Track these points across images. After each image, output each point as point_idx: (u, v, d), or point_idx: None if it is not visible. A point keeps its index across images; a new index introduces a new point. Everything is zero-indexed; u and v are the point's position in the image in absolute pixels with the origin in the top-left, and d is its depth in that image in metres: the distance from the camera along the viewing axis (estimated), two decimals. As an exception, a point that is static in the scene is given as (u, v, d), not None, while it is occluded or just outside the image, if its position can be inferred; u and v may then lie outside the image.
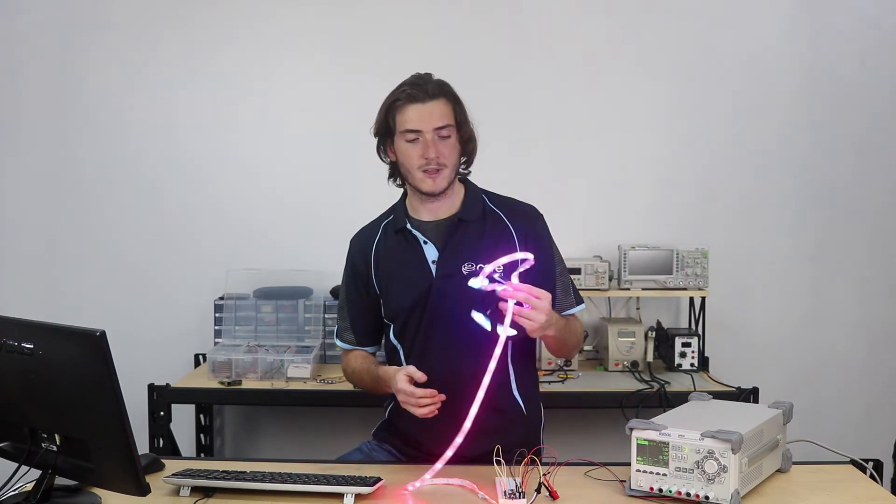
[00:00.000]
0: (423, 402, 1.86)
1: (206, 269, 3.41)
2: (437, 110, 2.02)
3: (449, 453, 1.73)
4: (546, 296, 1.78)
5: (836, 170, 3.42)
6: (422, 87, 2.03)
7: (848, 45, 3.39)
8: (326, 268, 3.31)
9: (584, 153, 3.42)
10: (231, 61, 3.43)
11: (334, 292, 3.28)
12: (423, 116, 2.01)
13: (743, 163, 3.42)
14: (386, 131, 2.08)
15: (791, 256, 3.44)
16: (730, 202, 3.42)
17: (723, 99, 3.41)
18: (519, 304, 1.76)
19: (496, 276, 1.73)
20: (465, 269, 2.04)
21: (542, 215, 2.15)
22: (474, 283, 1.75)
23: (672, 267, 3.15)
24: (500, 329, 1.73)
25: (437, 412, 1.87)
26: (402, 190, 2.21)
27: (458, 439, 1.72)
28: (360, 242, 2.19)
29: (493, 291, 1.74)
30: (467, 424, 1.71)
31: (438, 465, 1.75)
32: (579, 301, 2.14)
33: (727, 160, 3.42)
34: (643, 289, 3.18)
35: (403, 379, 1.89)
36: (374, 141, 3.45)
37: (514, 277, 1.75)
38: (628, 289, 3.18)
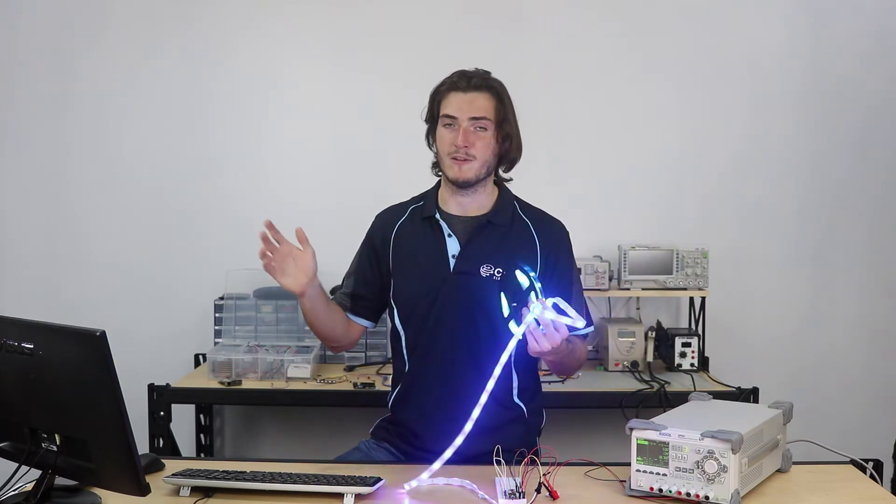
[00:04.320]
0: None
1: (206, 269, 3.41)
2: (476, 101, 2.03)
3: (448, 453, 1.72)
4: (564, 334, 1.74)
5: (836, 170, 3.43)
6: (467, 78, 2.05)
7: (848, 46, 3.39)
8: (327, 268, 3.29)
9: (584, 153, 3.42)
10: (231, 62, 3.43)
11: (334, 292, 3.27)
12: (461, 104, 2.03)
13: (743, 163, 3.42)
14: (432, 119, 2.10)
15: (791, 257, 3.44)
16: (730, 202, 3.42)
17: (723, 99, 3.41)
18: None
19: (539, 287, 1.70)
20: (483, 271, 2.04)
21: (568, 233, 2.16)
22: (520, 274, 1.72)
23: (672, 267, 3.15)
24: (512, 325, 1.72)
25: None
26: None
27: (459, 440, 1.71)
28: (384, 219, 2.20)
29: (529, 293, 1.71)
30: (468, 427, 1.70)
31: (436, 465, 1.74)
32: (589, 323, 2.13)
33: (727, 160, 3.42)
34: (643, 289, 3.18)
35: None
36: (375, 141, 3.49)
37: (551, 301, 1.72)
38: (628, 289, 3.18)
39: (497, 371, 1.69)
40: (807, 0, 3.39)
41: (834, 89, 3.40)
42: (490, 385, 1.70)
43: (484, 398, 1.70)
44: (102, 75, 3.44)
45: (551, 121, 3.40)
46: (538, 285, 1.69)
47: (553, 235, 2.12)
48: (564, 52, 3.40)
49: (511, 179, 2.18)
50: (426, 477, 1.75)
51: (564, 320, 1.71)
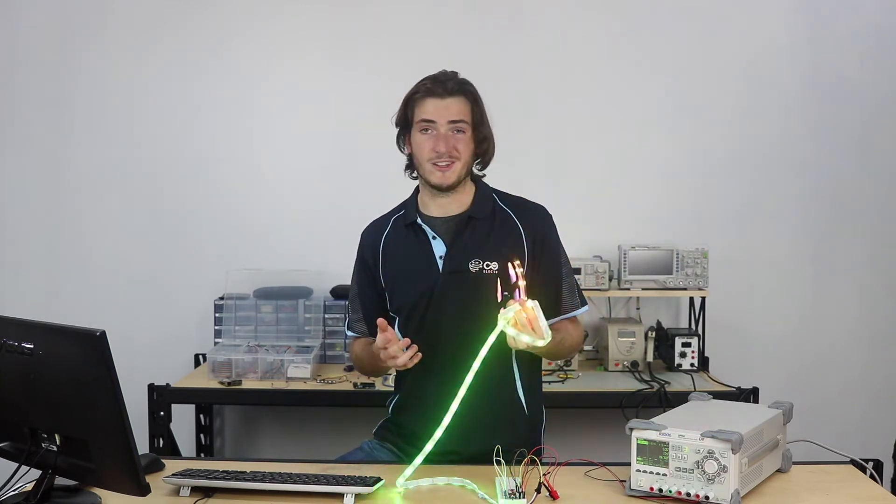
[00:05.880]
0: (392, 350, 1.88)
1: (206, 269, 3.41)
2: (453, 106, 2.05)
3: (437, 435, 1.73)
4: (543, 336, 1.72)
5: (836, 169, 3.43)
6: (442, 83, 2.05)
7: (848, 45, 3.39)
8: (326, 268, 3.31)
9: (584, 153, 3.43)
10: (231, 62, 3.43)
11: (334, 292, 3.28)
12: (438, 109, 2.04)
13: (743, 163, 3.42)
14: (405, 123, 2.11)
15: (791, 256, 3.44)
16: (730, 202, 3.42)
17: (723, 99, 3.41)
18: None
19: (523, 285, 1.70)
20: (472, 267, 2.05)
21: (550, 216, 2.17)
22: (511, 269, 1.72)
23: (672, 267, 3.15)
24: (500, 314, 1.73)
25: (416, 359, 1.91)
26: (407, 186, 2.22)
27: (446, 420, 1.72)
28: (370, 235, 2.21)
29: (518, 284, 1.72)
30: (454, 405, 1.71)
31: (425, 450, 1.75)
32: (583, 303, 2.15)
33: (727, 160, 3.42)
34: (643, 289, 3.18)
35: (379, 337, 1.91)
36: (375, 141, 3.45)
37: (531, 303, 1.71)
38: (628, 289, 3.18)
39: (484, 351, 1.71)
40: (807, 0, 3.39)
41: (834, 89, 3.40)
42: (478, 362, 1.71)
43: (470, 376, 1.71)
44: (102, 75, 3.44)
45: (551, 121, 3.40)
46: (522, 283, 1.70)
47: (536, 221, 2.13)
48: (564, 52, 3.40)
49: (484, 175, 2.19)
50: (418, 463, 1.76)
51: (526, 337, 1.70)
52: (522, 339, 1.72)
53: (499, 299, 1.76)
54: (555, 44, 3.40)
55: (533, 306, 1.70)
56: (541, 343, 1.72)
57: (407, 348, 1.91)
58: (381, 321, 1.92)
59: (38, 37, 3.44)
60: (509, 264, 1.73)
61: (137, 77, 3.44)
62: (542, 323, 1.71)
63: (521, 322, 1.71)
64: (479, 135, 2.09)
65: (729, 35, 3.40)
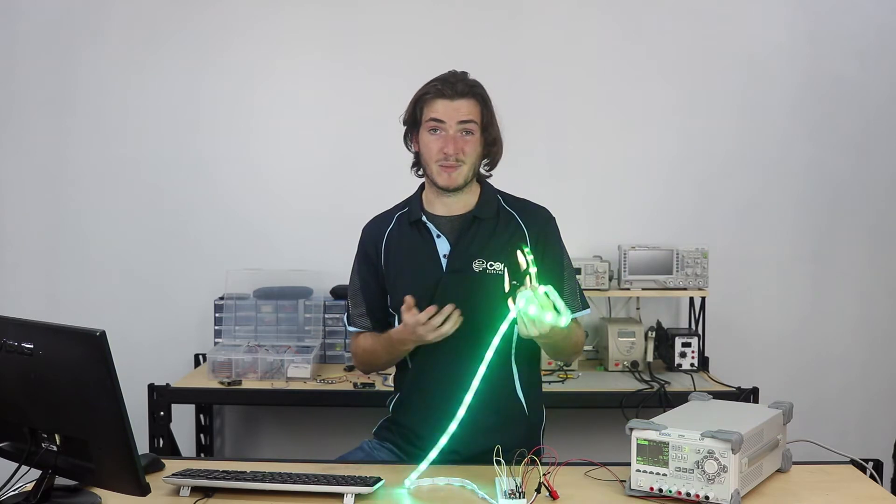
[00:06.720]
0: (435, 321, 1.91)
1: (206, 269, 3.41)
2: (463, 107, 2.05)
3: (442, 442, 1.73)
4: (553, 322, 1.74)
5: (836, 170, 3.43)
6: (451, 85, 2.05)
7: (848, 45, 3.39)
8: (326, 268, 3.31)
9: (584, 153, 3.43)
10: (231, 61, 3.43)
11: (334, 292, 3.28)
12: (448, 110, 2.04)
13: (743, 163, 3.42)
14: (413, 122, 2.11)
15: (791, 256, 3.44)
16: (730, 202, 3.43)
17: (723, 99, 3.41)
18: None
19: (534, 272, 1.71)
20: (475, 266, 2.05)
21: (553, 218, 2.17)
22: (521, 256, 1.73)
23: (672, 267, 3.15)
24: (510, 302, 1.73)
25: (459, 322, 1.92)
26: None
27: (452, 427, 1.72)
28: (373, 230, 2.21)
29: (525, 276, 1.72)
30: (461, 413, 1.71)
31: (432, 454, 1.75)
32: (585, 305, 2.15)
33: (727, 160, 3.42)
34: (643, 289, 3.18)
35: (408, 316, 1.92)
36: (375, 141, 3.48)
37: (543, 289, 1.72)
38: (628, 289, 3.18)
39: (495, 342, 1.70)
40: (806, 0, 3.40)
41: (833, 89, 3.40)
42: (488, 356, 1.71)
43: (477, 380, 1.71)
44: (102, 75, 3.44)
45: (552, 120, 3.40)
46: (534, 270, 1.70)
47: (540, 223, 2.14)
48: (564, 51, 3.40)
49: (491, 175, 2.19)
50: (424, 468, 1.75)
51: (546, 322, 1.70)
52: (544, 320, 1.71)
53: (506, 289, 1.76)
54: (555, 43, 3.40)
55: (547, 290, 1.70)
56: (563, 322, 1.71)
57: (440, 319, 1.92)
58: (408, 298, 1.93)
59: (38, 37, 3.44)
60: (518, 251, 1.73)
61: (137, 77, 3.44)
62: (560, 304, 1.71)
63: (523, 318, 1.71)
64: (488, 137, 2.10)
65: (729, 35, 3.40)
